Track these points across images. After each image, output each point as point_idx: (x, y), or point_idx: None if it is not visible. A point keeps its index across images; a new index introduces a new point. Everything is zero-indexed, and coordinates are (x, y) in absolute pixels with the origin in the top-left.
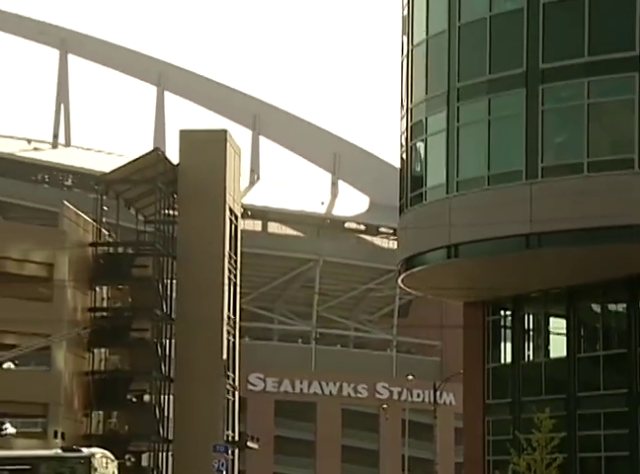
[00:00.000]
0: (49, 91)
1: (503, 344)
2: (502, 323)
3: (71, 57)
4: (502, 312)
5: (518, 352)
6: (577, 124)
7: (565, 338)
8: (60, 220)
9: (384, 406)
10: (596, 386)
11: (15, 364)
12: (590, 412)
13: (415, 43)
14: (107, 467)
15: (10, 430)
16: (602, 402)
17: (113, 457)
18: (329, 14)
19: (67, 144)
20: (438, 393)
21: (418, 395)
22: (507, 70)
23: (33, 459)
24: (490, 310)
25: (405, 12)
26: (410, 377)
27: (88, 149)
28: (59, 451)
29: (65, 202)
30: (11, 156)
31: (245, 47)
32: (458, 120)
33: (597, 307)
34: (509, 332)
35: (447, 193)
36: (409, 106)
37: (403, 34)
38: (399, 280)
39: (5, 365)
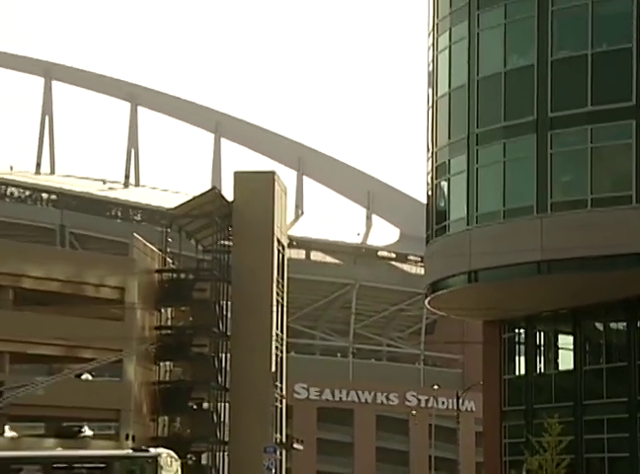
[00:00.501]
0: (122, 138)
1: (517, 358)
2: (516, 339)
3: (140, 109)
4: (516, 330)
5: (530, 365)
6: (581, 165)
7: (572, 352)
8: (131, 250)
9: (413, 412)
10: (599, 395)
11: (92, 376)
12: (594, 418)
13: (439, 95)
14: (171, 465)
15: (87, 432)
16: (605, 409)
17: (176, 457)
18: (364, 73)
19: (137, 184)
20: (460, 401)
21: (443, 403)
22: (519, 118)
23: (107, 458)
24: (506, 328)
25: (430, 68)
26: (436, 387)
27: (155, 188)
28: (130, 451)
29: (135, 235)
30: (88, 195)
31: (292, 98)
32: (477, 162)
33: (600, 326)
34: (522, 347)
35: (468, 225)
36: (434, 149)
37: (429, 87)
38: (426, 302)
39: (83, 377)
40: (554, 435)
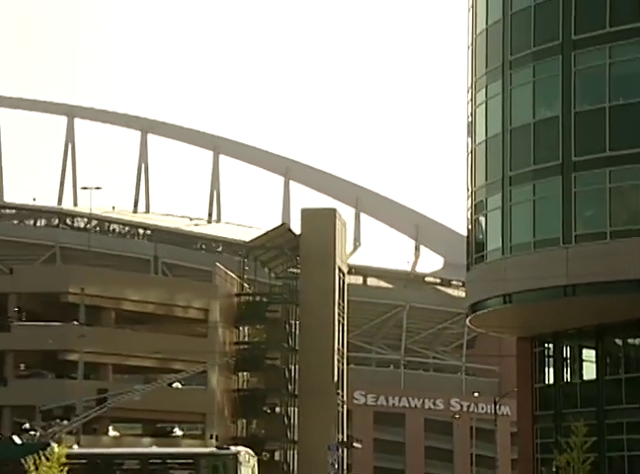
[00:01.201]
0: (205, 181)
1: (547, 369)
2: (546, 353)
3: (221, 157)
4: (546, 345)
5: (558, 375)
6: (601, 202)
7: (594, 364)
8: (213, 277)
9: (457, 416)
10: (619, 401)
11: (181, 384)
12: (615, 421)
13: (477, 143)
14: (249, 461)
15: (178, 432)
16: (625, 413)
17: (253, 454)
18: (412, 126)
19: (218, 220)
20: (497, 406)
21: (482, 408)
22: (546, 162)
23: (195, 455)
24: (536, 343)
25: (469, 119)
26: (476, 394)
27: (233, 224)
28: (214, 449)
29: (217, 264)
30: (178, 230)
31: (352, 145)
32: (511, 200)
33: (619, 341)
34: (551, 360)
35: (503, 254)
36: (473, 189)
37: (468, 136)
38: (467, 321)
39: (174, 385)
40: (580, 437)
